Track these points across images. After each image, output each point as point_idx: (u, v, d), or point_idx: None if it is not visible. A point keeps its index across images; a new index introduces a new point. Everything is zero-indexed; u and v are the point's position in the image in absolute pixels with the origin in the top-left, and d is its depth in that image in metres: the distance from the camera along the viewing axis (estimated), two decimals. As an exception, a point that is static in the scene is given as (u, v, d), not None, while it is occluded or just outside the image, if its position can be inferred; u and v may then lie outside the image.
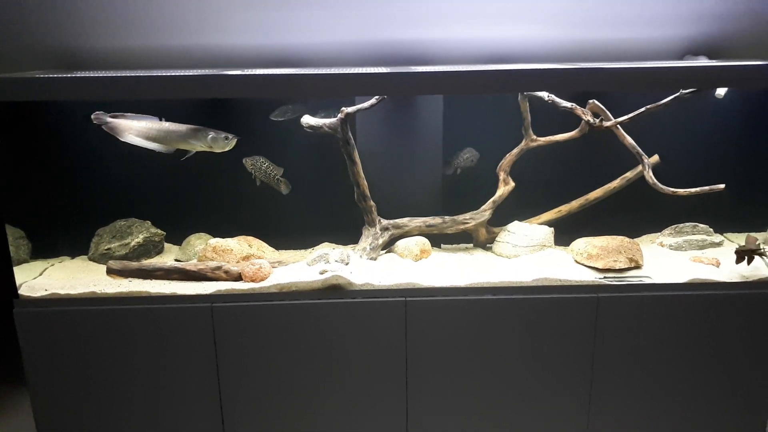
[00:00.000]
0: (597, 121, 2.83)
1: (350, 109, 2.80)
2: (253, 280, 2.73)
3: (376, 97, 2.76)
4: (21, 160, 3.00)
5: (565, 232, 3.09)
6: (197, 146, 2.79)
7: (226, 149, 2.81)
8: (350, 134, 2.85)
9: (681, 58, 3.20)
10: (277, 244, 3.18)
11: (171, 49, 3.04)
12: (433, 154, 3.06)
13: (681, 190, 2.87)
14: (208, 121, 2.85)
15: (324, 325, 2.65)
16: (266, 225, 3.18)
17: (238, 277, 2.76)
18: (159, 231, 3.10)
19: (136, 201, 3.12)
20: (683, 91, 2.71)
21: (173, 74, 2.49)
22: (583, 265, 2.90)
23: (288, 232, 3.20)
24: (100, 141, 3.00)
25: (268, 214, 3.20)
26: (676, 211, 3.15)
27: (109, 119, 2.73)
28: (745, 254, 2.83)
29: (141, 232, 3.03)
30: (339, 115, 2.81)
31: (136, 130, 2.75)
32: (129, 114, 2.76)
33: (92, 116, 2.70)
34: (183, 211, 3.17)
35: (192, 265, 2.81)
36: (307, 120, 2.86)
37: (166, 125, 2.77)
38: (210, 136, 2.77)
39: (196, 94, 2.52)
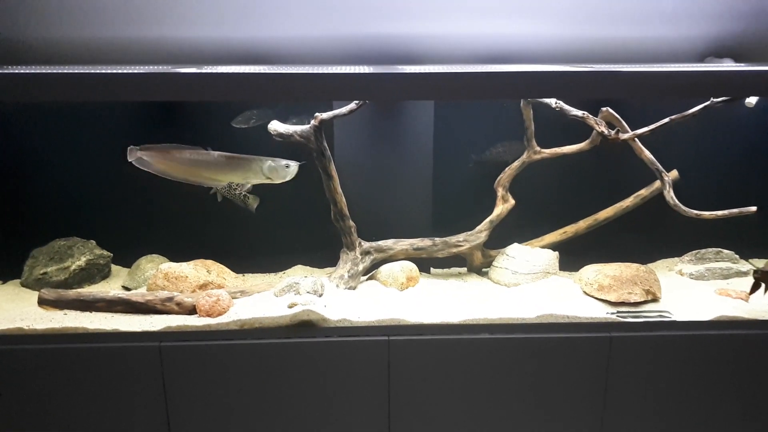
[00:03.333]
0: (612, 132, 2.46)
1: (325, 115, 2.46)
2: (209, 315, 2.35)
3: (356, 101, 2.38)
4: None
5: (571, 256, 2.82)
6: (253, 178, 2.44)
7: (288, 178, 2.47)
8: (325, 144, 2.51)
9: (702, 60, 2.89)
10: (243, 267, 2.86)
11: (117, 42, 2.64)
12: (421, 166, 2.76)
13: (706, 213, 2.58)
14: (148, 129, 2.48)
15: (293, 369, 2.32)
16: (231, 244, 2.86)
17: (192, 310, 2.39)
18: (105, 252, 2.76)
19: (78, 217, 2.78)
20: (714, 100, 2.34)
21: (113, 71, 2.10)
22: (593, 297, 2.56)
23: (256, 253, 2.88)
24: (37, 146, 2.69)
25: (233, 232, 2.86)
26: (697, 233, 2.83)
27: (141, 153, 2.36)
28: (763, 281, 2.41)
29: (83, 254, 2.68)
30: (312, 122, 2.46)
31: (177, 163, 2.40)
32: (166, 145, 2.40)
33: (128, 155, 2.36)
34: (134, 228, 2.83)
35: (139, 295, 2.43)
36: (276, 127, 2.50)
37: (214, 156, 2.42)
38: (267, 165, 2.43)
39: (142, 95, 2.14)
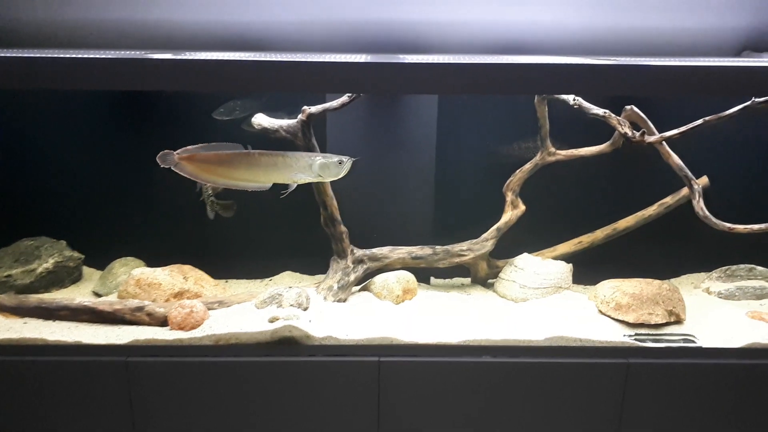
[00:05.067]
0: (637, 134, 2.21)
1: (314, 109, 2.28)
2: (181, 328, 2.17)
3: (348, 94, 2.19)
4: None
5: (586, 269, 2.65)
6: (302, 177, 2.23)
7: (341, 175, 2.27)
8: (314, 141, 2.33)
9: (738, 54, 2.70)
10: (227, 272, 2.72)
11: (85, 23, 2.49)
12: (423, 166, 2.59)
13: (740, 227, 2.38)
14: (125, 120, 2.30)
15: (272, 391, 2.16)
16: (215, 247, 2.74)
17: (165, 322, 2.22)
18: (75, 254, 2.62)
19: (48, 214, 2.65)
20: (756, 100, 2.09)
21: (77, 56, 1.93)
22: (609, 317, 2.36)
23: (242, 258, 2.75)
24: (3, 138, 2.58)
25: (218, 233, 2.72)
26: (728, 247, 2.63)
27: (178, 158, 2.15)
28: None
29: (52, 255, 2.55)
30: (300, 116, 2.28)
31: (218, 165, 2.20)
32: (203, 146, 2.18)
33: (157, 158, 2.16)
34: (109, 227, 2.69)
35: (106, 303, 2.26)
36: (260, 120, 2.34)
37: (256, 155, 2.21)
38: (318, 162, 2.21)
39: (110, 83, 1.97)
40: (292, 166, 2.22)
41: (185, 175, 2.17)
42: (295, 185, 2.25)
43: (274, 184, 2.23)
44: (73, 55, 1.94)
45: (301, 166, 2.22)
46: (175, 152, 2.13)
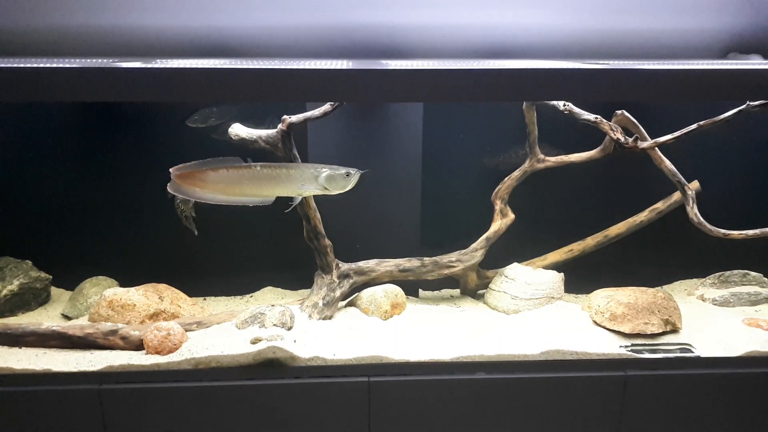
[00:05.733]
0: (630, 140, 2.15)
1: (294, 119, 2.17)
2: (157, 352, 2.07)
3: (330, 102, 2.11)
4: None
5: (578, 277, 2.64)
6: (307, 190, 2.16)
7: (348, 188, 2.18)
8: (296, 152, 2.24)
9: (724, 56, 2.67)
10: (205, 289, 2.62)
11: (57, 31, 2.37)
12: (409, 176, 2.52)
13: (735, 233, 2.33)
14: (92, 130, 2.18)
15: (256, 417, 2.07)
16: (191, 263, 2.62)
17: (140, 346, 2.11)
18: (42, 274, 2.50)
19: (12, 233, 2.55)
20: (751, 104, 2.04)
21: (38, 66, 1.81)
22: (604, 328, 2.30)
23: (220, 273, 2.65)
24: None
25: (194, 249, 2.60)
26: (720, 252, 2.58)
27: (176, 178, 2.06)
28: None
29: (17, 277, 2.43)
30: (280, 126, 2.18)
31: (215, 182, 2.11)
32: (199, 162, 2.09)
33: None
34: (78, 245, 2.58)
35: (77, 327, 2.14)
36: (237, 131, 2.24)
37: (258, 168, 2.12)
38: (324, 174, 2.13)
39: (72, 94, 1.85)
40: (296, 178, 2.15)
41: (181, 195, 2.09)
42: (300, 198, 2.18)
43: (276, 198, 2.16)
44: (35, 65, 1.83)
45: (306, 178, 2.14)
46: (169, 170, 2.04)
